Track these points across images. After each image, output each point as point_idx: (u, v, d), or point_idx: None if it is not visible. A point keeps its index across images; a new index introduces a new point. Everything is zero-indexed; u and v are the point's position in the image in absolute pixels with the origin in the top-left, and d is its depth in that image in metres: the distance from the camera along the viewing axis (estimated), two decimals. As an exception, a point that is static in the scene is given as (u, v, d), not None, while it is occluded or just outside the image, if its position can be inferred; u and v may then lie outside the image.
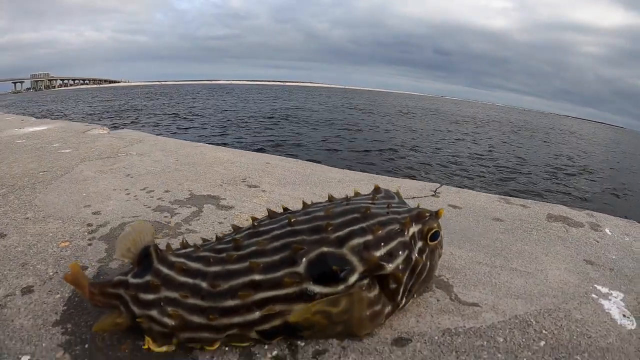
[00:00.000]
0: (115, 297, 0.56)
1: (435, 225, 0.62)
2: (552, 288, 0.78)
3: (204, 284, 0.54)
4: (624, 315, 0.71)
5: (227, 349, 0.55)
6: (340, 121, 11.03)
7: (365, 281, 0.56)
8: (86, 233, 0.92)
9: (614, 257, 0.95)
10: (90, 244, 0.86)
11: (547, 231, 1.08)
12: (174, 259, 0.58)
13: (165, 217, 1.03)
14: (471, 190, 1.43)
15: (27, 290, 0.68)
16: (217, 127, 9.15)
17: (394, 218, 0.60)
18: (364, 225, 0.57)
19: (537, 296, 0.74)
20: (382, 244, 0.57)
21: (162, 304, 0.53)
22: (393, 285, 0.58)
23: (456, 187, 1.47)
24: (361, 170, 1.83)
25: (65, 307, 0.63)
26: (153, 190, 1.24)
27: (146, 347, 0.54)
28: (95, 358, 0.53)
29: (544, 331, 0.64)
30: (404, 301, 0.62)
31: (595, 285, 0.80)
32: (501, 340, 0.61)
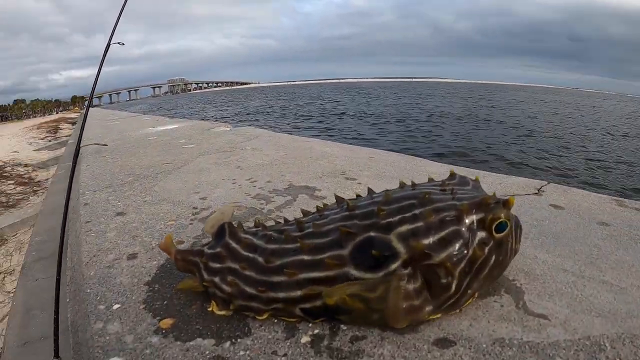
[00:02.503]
0: (193, 264, 0.65)
1: (501, 214, 0.55)
2: (644, 309, 0.62)
3: (260, 259, 0.59)
4: None
5: (275, 321, 0.59)
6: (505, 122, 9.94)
7: (407, 271, 0.53)
8: (190, 215, 1.05)
9: None
10: (191, 224, 0.99)
11: (659, 240, 0.86)
12: (242, 235, 0.64)
13: (261, 204, 1.13)
14: (581, 190, 1.25)
15: (132, 257, 0.82)
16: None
17: (452, 205, 0.56)
18: (417, 211, 0.55)
19: (622, 317, 0.60)
20: (433, 231, 0.54)
21: (224, 272, 0.60)
22: (444, 280, 0.54)
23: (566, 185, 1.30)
24: (478, 168, 1.72)
25: (157, 271, 0.75)
26: (257, 180, 1.37)
27: (211, 309, 0.61)
28: (169, 312, 0.62)
29: (618, 359, 0.52)
30: (458, 300, 0.57)
31: None
32: (559, 362, 0.52)
